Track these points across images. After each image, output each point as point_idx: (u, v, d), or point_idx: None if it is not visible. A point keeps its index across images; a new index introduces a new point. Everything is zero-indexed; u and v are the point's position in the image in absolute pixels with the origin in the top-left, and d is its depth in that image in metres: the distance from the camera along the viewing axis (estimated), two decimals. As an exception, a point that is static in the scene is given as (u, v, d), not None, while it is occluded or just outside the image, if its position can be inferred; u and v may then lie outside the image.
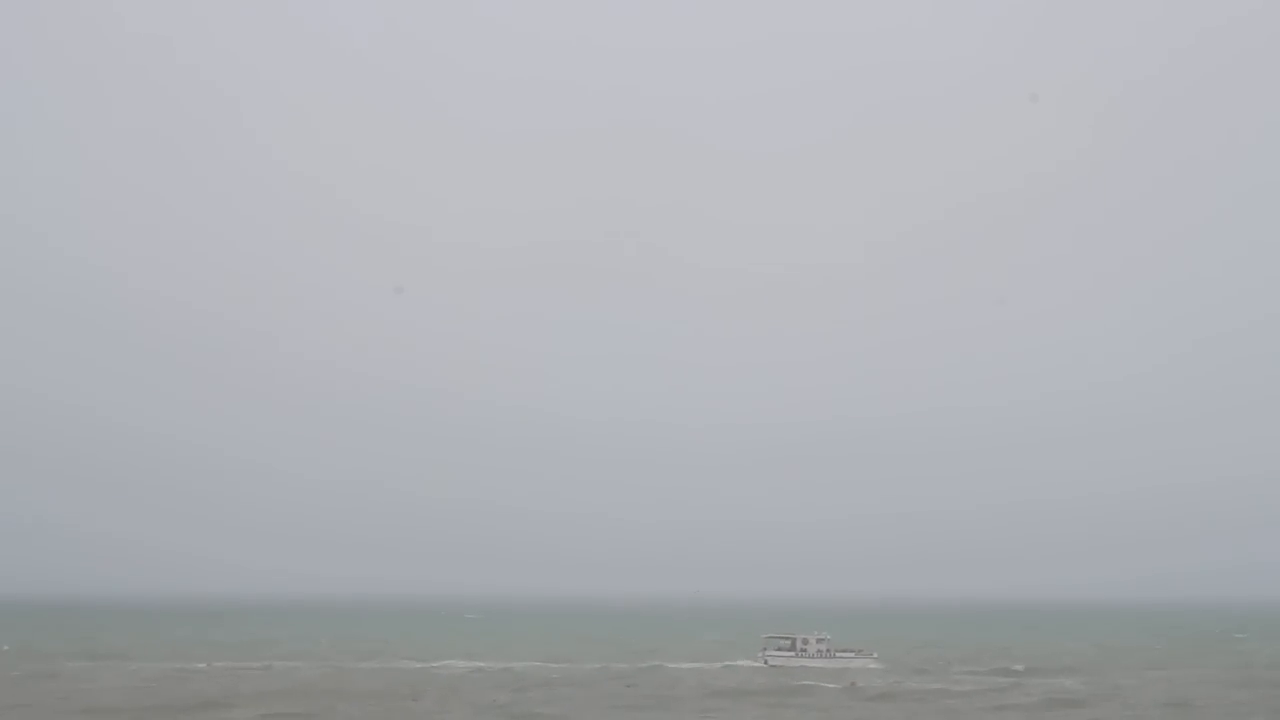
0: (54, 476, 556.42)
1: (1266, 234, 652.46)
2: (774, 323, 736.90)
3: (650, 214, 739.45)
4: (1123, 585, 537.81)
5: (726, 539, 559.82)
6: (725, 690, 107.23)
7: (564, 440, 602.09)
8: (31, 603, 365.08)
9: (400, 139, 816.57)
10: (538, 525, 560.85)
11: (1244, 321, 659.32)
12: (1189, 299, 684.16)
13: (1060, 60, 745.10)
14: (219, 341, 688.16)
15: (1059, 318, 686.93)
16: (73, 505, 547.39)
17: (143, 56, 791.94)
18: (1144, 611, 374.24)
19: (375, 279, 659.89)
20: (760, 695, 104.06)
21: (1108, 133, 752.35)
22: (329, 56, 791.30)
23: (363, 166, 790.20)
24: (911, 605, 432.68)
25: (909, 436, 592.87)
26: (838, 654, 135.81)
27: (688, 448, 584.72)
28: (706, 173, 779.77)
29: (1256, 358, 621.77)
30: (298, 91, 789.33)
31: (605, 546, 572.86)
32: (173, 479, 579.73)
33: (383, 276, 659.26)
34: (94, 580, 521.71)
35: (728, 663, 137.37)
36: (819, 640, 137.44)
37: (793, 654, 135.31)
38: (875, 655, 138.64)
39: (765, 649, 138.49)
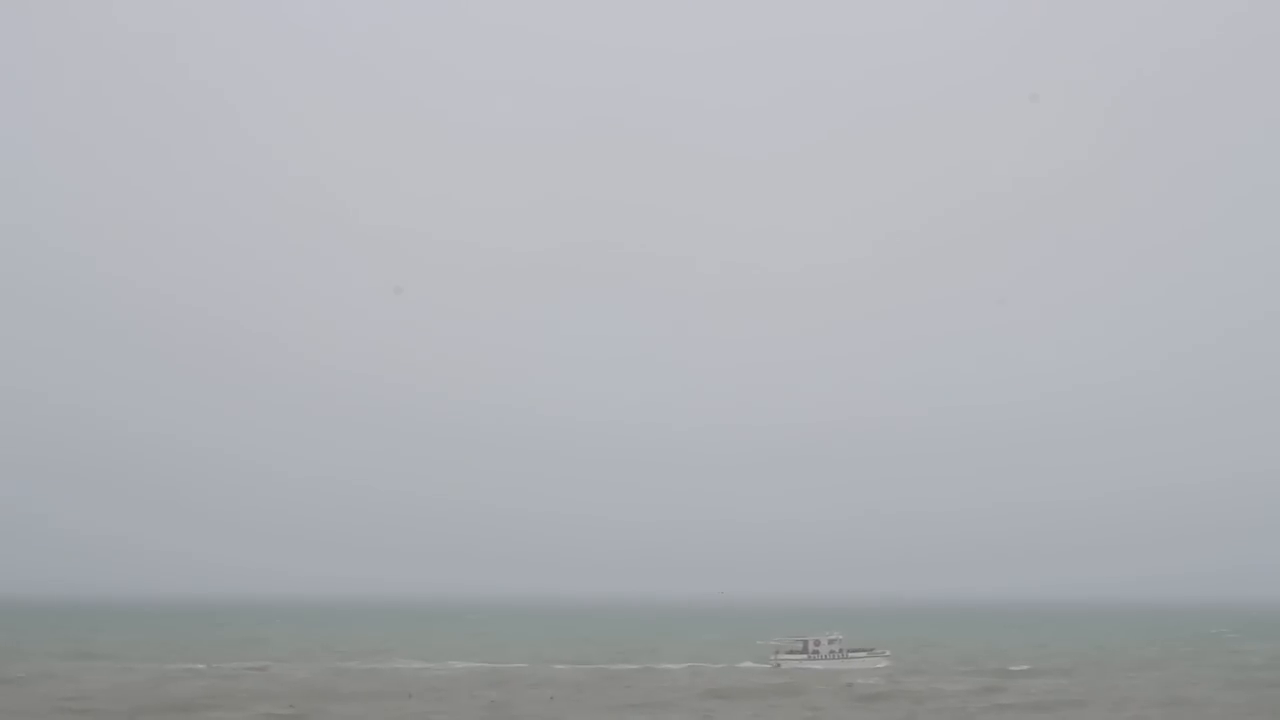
0: (51, 477, 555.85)
1: (1268, 234, 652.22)
2: (773, 324, 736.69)
3: (646, 215, 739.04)
4: (1123, 585, 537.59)
5: (726, 540, 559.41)
6: (720, 691, 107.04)
7: (563, 441, 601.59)
8: (26, 603, 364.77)
9: (396, 140, 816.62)
10: (535, 526, 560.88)
11: (1245, 321, 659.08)
12: (1190, 299, 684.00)
13: (1061, 61, 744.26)
14: (217, 342, 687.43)
15: (1060, 318, 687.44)
16: (70, 506, 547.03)
17: (142, 59, 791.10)
18: (1142, 612, 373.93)
19: (374, 280, 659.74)
20: (753, 696, 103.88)
21: (1109, 133, 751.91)
22: (326, 59, 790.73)
23: (361, 168, 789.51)
24: (912, 605, 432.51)
25: (909, 437, 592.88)
26: (850, 654, 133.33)
27: (687, 449, 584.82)
28: (702, 174, 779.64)
29: (1257, 357, 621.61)
30: (296, 94, 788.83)
31: (603, 547, 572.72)
32: (170, 479, 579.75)
33: (381, 278, 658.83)
34: (91, 581, 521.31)
35: (730, 664, 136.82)
36: (830, 641, 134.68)
37: (805, 656, 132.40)
38: (888, 654, 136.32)
39: (777, 652, 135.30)
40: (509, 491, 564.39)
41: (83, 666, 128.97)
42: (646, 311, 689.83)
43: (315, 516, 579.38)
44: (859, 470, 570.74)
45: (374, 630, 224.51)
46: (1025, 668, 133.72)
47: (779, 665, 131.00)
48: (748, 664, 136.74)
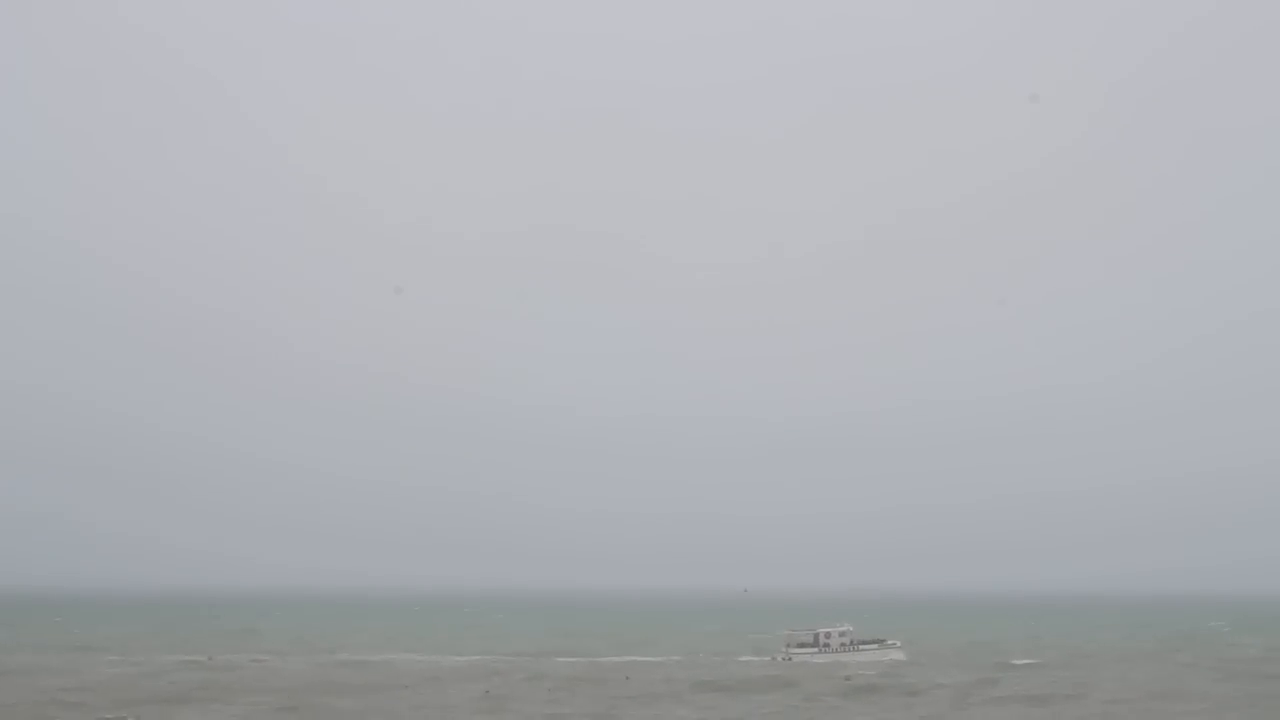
0: (55, 471, 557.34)
1: (1268, 226, 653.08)
2: (770, 316, 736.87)
3: (642, 207, 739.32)
4: (1122, 578, 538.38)
5: (728, 534, 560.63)
6: (715, 683, 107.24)
7: (567, 435, 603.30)
8: (24, 596, 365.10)
9: (394, 132, 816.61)
10: (539, 519, 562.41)
11: (1245, 314, 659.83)
12: (1189, 291, 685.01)
13: (1058, 50, 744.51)
14: (221, 337, 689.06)
15: (1058, 311, 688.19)
16: (74, 499, 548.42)
17: (144, 53, 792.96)
18: (1140, 605, 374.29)
19: (379, 275, 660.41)
20: (748, 689, 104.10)
21: (1106, 124, 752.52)
22: (330, 52, 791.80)
23: (365, 161, 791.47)
24: (910, 598, 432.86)
25: (907, 430, 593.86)
26: (860, 646, 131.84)
27: (684, 442, 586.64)
28: (699, 163, 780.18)
29: (1258, 349, 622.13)
30: (299, 87, 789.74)
31: (605, 540, 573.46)
32: (174, 473, 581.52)
33: (387, 273, 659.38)
34: (96, 574, 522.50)
35: (729, 657, 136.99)
36: (841, 634, 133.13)
37: (815, 649, 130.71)
38: (899, 645, 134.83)
39: (787, 645, 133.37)
40: (511, 485, 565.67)
41: (79, 659, 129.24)
42: (644, 306, 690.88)
43: (318, 510, 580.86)
44: (857, 464, 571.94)
45: (372, 622, 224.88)
46: (1022, 660, 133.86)
47: (790, 658, 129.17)
48: (746, 657, 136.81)
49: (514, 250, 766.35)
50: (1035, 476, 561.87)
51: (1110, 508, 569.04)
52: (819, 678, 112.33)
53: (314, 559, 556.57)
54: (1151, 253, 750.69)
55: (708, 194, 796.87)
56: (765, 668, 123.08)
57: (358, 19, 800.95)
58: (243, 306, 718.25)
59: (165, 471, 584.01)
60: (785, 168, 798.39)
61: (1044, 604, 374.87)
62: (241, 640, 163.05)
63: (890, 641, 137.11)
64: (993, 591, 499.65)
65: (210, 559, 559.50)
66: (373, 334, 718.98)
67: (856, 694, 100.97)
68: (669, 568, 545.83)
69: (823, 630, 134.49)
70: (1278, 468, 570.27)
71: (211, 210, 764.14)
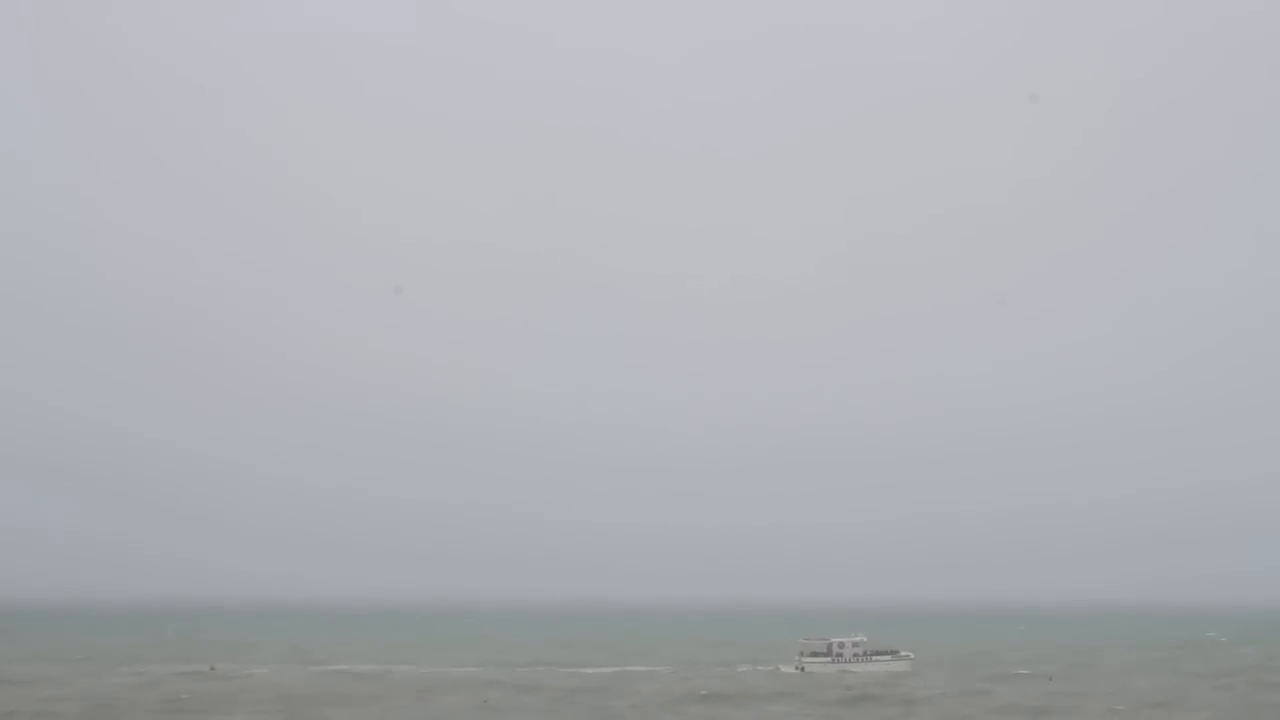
0: (47, 481, 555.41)
1: (1270, 237, 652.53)
2: (775, 328, 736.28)
3: (638, 222, 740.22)
4: (1126, 589, 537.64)
5: (737, 544, 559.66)
6: (715, 695, 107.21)
7: (569, 445, 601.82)
8: (21, 608, 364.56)
9: (389, 140, 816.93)
10: (541, 530, 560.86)
11: (1252, 323, 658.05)
12: (1192, 303, 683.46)
13: (1059, 60, 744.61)
14: (215, 346, 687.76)
15: (1060, 322, 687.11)
16: (66, 510, 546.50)
17: (137, 63, 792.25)
18: (1140, 615, 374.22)
19: (371, 282, 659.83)
20: (750, 699, 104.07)
21: (1111, 133, 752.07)
22: (320, 58, 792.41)
23: (356, 170, 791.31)
24: (916, 609, 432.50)
25: (913, 441, 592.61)
26: (874, 657, 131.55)
27: (689, 452, 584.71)
28: (700, 180, 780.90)
29: (1265, 359, 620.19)
30: (289, 94, 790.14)
31: (607, 550, 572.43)
32: (168, 483, 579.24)
33: (378, 279, 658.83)
34: (85, 585, 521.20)
35: (729, 668, 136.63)
36: (854, 644, 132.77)
37: (829, 659, 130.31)
38: (911, 657, 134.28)
39: (801, 654, 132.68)
40: (509, 495, 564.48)
41: (75, 670, 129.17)
42: (645, 317, 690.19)
43: (312, 520, 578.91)
44: (866, 475, 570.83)
45: (369, 634, 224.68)
46: (1020, 670, 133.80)
47: (803, 668, 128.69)
48: (745, 667, 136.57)
49: (514, 263, 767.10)
50: (1038, 488, 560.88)
51: (1110, 518, 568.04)
52: (819, 687, 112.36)
53: (306, 570, 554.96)
54: (1154, 264, 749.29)
55: (713, 206, 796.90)
56: (765, 678, 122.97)
57: (359, 30, 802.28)
58: (243, 322, 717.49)
59: (158, 481, 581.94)
60: (794, 179, 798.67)
61: (1044, 614, 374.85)
62: (237, 651, 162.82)
63: (904, 653, 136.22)
64: (993, 601, 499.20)
65: (203, 570, 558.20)
66: (368, 344, 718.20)
67: (854, 704, 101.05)
68: (670, 576, 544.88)
69: (836, 640, 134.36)
70: (1278, 479, 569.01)
71: (207, 219, 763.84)
